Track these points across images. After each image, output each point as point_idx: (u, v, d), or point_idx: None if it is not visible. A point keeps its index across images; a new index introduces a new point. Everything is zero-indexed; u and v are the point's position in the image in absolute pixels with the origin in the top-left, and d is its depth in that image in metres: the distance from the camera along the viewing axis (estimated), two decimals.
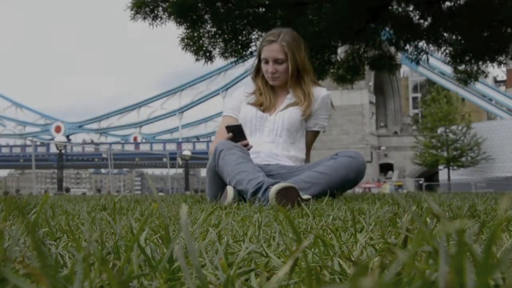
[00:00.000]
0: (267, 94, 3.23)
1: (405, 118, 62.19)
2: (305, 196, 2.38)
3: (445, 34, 8.36)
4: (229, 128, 2.94)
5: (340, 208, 1.75)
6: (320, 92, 3.25)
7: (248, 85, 3.45)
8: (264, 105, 3.21)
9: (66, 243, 0.83)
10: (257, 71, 3.28)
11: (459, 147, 37.86)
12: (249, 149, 2.89)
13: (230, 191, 2.53)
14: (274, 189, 2.26)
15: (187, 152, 30.33)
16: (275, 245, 0.80)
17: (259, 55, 3.21)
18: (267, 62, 3.14)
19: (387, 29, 8.62)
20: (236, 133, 2.92)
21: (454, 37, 8.44)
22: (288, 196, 2.25)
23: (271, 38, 3.12)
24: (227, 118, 3.29)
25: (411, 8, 8.42)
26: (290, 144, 3.17)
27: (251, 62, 8.13)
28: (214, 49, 8.08)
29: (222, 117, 3.40)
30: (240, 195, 2.55)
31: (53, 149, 48.79)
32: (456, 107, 40.11)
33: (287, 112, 3.16)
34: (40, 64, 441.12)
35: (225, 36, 7.92)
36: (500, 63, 8.50)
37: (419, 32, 8.30)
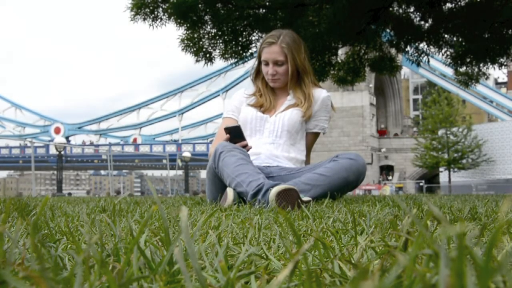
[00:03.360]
0: (267, 96, 3.24)
1: (405, 120, 62.16)
2: (305, 198, 2.38)
3: (446, 35, 8.37)
4: (227, 130, 2.94)
5: (341, 210, 1.75)
6: (320, 93, 3.25)
7: (248, 87, 3.46)
8: (264, 107, 3.21)
9: (66, 245, 0.83)
10: (257, 73, 3.29)
11: (459, 149, 37.84)
12: (248, 150, 2.89)
13: (230, 193, 2.53)
14: (274, 191, 2.25)
15: (186, 154, 30.33)
16: (275, 248, 0.80)
17: (259, 57, 3.22)
18: (267, 64, 3.15)
19: (388, 30, 8.62)
20: (234, 134, 2.91)
21: (455, 38, 8.44)
22: (288, 198, 2.25)
23: (271, 40, 3.12)
24: (227, 119, 3.30)
25: (412, 9, 8.43)
26: (290, 145, 3.17)
27: (251, 63, 8.13)
28: (214, 50, 8.08)
29: (222, 119, 3.41)
30: (240, 197, 2.55)
31: (52, 150, 48.83)
32: (457, 109, 40.09)
33: (287, 114, 3.16)
34: (39, 65, 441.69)
35: (225, 37, 7.92)
36: (501, 65, 8.50)
37: (420, 34, 8.30)
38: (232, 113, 3.31)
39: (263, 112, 3.20)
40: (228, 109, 3.36)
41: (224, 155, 2.69)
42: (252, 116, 3.17)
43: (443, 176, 40.58)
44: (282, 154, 3.12)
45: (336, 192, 2.75)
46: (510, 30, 7.87)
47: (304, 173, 2.86)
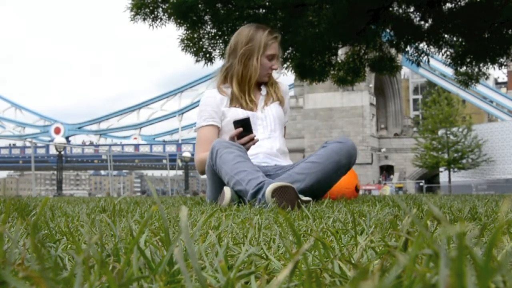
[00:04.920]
0: (246, 93, 3.18)
1: (405, 120, 62.13)
2: (305, 198, 2.37)
3: (446, 35, 8.36)
4: (237, 123, 2.78)
5: (341, 210, 1.75)
6: (286, 87, 3.37)
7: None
8: (248, 104, 3.16)
9: (66, 245, 0.82)
10: (229, 69, 3.21)
11: (459, 149, 37.81)
12: (255, 143, 2.84)
13: (227, 192, 2.50)
14: (269, 188, 2.23)
15: (186, 154, 30.32)
16: (275, 248, 0.80)
17: (258, 50, 3.13)
18: (272, 58, 3.15)
19: (388, 30, 8.62)
20: (246, 127, 2.77)
21: (455, 38, 8.44)
22: (285, 195, 2.22)
23: (276, 35, 3.18)
24: (208, 128, 3.13)
25: (411, 9, 8.42)
26: (281, 137, 3.22)
27: None
28: (214, 50, 8.08)
29: (199, 129, 3.18)
30: (238, 195, 2.53)
31: (52, 151, 48.88)
32: (457, 109, 40.04)
33: (272, 107, 3.21)
34: (39, 65, 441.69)
35: (225, 37, 7.91)
36: (501, 65, 8.49)
37: (420, 34, 8.29)
38: (212, 119, 3.14)
39: (247, 109, 3.15)
40: (206, 116, 3.15)
41: (222, 152, 2.64)
42: (244, 116, 3.09)
43: (443, 176, 40.55)
44: (279, 148, 3.13)
45: (330, 177, 2.76)
46: (510, 30, 7.87)
47: (298, 165, 2.87)
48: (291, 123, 50.24)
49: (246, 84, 3.16)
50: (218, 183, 2.78)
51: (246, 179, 2.47)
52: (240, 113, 3.10)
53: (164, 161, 41.53)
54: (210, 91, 3.23)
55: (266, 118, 3.15)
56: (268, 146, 3.09)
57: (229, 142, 2.74)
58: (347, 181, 3.59)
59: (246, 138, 2.76)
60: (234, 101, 3.16)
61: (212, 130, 3.11)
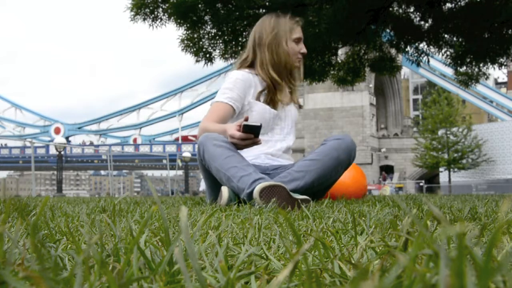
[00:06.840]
0: (286, 78, 3.07)
1: (405, 120, 62.11)
2: (301, 197, 2.36)
3: (446, 35, 8.36)
4: (247, 128, 2.55)
5: (341, 210, 1.75)
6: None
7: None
8: (276, 99, 3.03)
9: (66, 245, 0.82)
10: (254, 58, 3.08)
11: (459, 149, 37.76)
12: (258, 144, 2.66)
13: (225, 192, 2.48)
14: (257, 188, 2.21)
15: (186, 154, 30.29)
16: (275, 248, 0.80)
17: (286, 34, 3.05)
18: (298, 41, 3.08)
19: (388, 30, 8.62)
20: (255, 133, 2.58)
21: (455, 38, 8.44)
22: (275, 195, 2.20)
23: (298, 19, 3.12)
24: (228, 106, 2.93)
25: (411, 9, 8.42)
26: (293, 138, 3.17)
27: None
28: (214, 50, 8.08)
29: (218, 102, 2.94)
30: (236, 194, 2.51)
31: (52, 151, 48.89)
32: (457, 109, 39.99)
33: (292, 107, 3.15)
34: (39, 65, 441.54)
35: (225, 37, 7.92)
36: (501, 65, 8.49)
37: (420, 34, 8.29)
38: (235, 102, 2.93)
39: (272, 106, 3.02)
40: (231, 96, 2.93)
41: (209, 146, 2.60)
42: (270, 115, 3.00)
43: (443, 176, 40.50)
44: (286, 149, 3.10)
45: (330, 173, 2.74)
46: (510, 30, 7.87)
47: (297, 163, 2.85)
48: None
49: (283, 70, 3.05)
50: (211, 179, 2.74)
51: (237, 176, 2.44)
52: (267, 111, 2.99)
53: (164, 161, 41.52)
54: (244, 73, 3.01)
55: (286, 119, 3.09)
56: (278, 147, 3.04)
57: (215, 134, 2.66)
58: (361, 181, 3.70)
59: (249, 141, 2.58)
60: (265, 93, 3.02)
61: (229, 109, 2.92)
